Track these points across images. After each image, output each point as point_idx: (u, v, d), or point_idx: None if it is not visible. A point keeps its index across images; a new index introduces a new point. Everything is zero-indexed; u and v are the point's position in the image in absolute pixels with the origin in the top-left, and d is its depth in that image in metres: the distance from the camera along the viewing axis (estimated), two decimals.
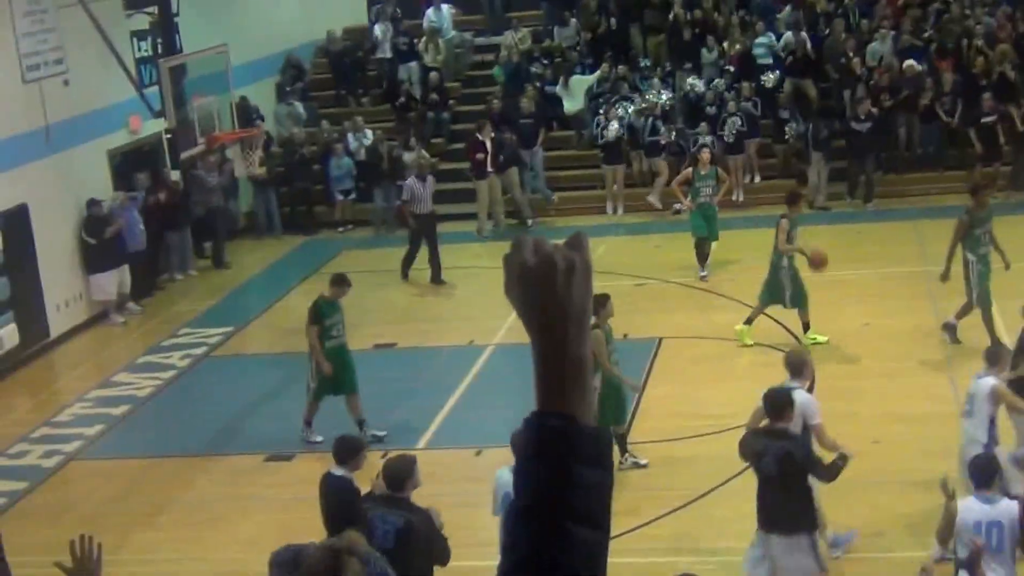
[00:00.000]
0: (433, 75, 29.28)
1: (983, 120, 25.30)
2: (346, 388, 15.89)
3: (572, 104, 28.00)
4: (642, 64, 28.70)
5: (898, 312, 18.73)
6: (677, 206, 23.95)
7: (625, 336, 18.60)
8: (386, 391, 17.59)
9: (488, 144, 25.34)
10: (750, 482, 11.66)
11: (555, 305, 2.50)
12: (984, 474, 9.99)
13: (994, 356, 12.26)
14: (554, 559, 2.48)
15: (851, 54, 27.05)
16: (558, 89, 28.15)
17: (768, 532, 10.89)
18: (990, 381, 11.84)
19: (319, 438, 15.57)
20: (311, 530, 10.18)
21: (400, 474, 10.04)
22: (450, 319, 20.82)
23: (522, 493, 2.52)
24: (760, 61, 27.76)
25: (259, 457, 16.16)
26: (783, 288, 17.71)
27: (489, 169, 25.47)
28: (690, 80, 27.38)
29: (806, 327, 17.90)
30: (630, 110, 26.70)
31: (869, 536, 12.71)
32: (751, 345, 17.86)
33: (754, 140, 26.65)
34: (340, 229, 27.24)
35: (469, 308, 21.20)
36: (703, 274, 21.36)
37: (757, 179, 26.84)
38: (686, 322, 19.16)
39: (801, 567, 10.74)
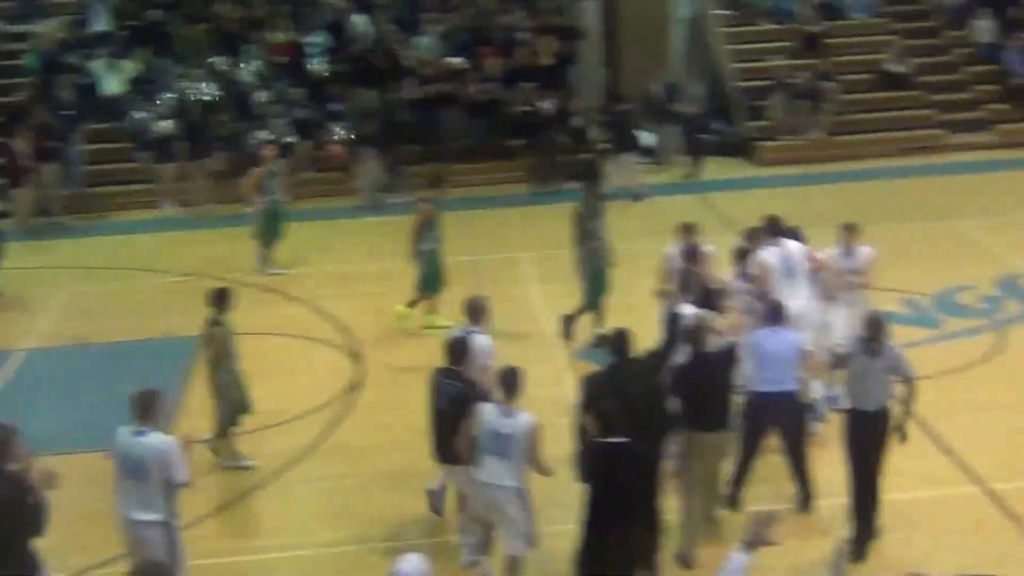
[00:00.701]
0: None
1: (524, 109, 26.32)
2: None
3: (111, 88, 27.21)
4: (180, 54, 28.13)
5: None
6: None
7: (167, 335, 18.25)
8: None
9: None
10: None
11: None
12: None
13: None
14: None
15: (399, 47, 27.53)
16: (95, 71, 27.31)
17: (442, 463, 11.57)
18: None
19: None
20: None
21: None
22: None
23: None
24: (308, 53, 27.82)
25: None
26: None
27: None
28: (225, 67, 27.19)
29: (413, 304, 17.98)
30: (172, 101, 26.19)
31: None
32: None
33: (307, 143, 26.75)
34: None
35: None
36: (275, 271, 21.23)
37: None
38: (234, 318, 18.82)
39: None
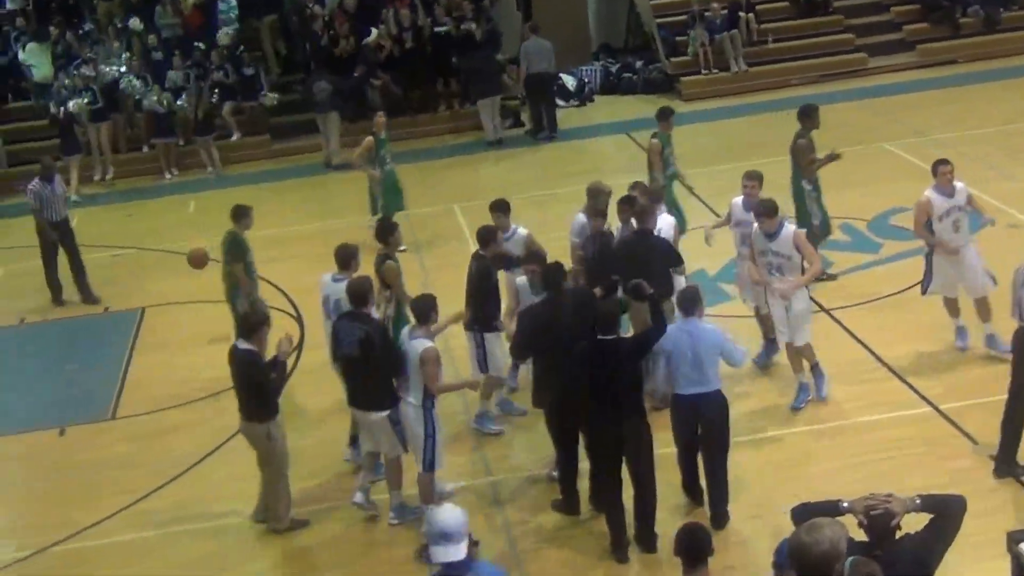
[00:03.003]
0: None
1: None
2: None
3: (40, 72, 26.84)
4: (89, 27, 27.78)
5: None
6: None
7: (106, 309, 18.11)
8: None
9: None
10: (244, 442, 11.66)
11: None
12: None
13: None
14: None
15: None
16: (22, 57, 26.94)
17: (354, 407, 11.70)
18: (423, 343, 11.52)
19: None
20: None
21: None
22: None
23: None
24: (222, 16, 27.58)
25: None
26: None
27: None
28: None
29: None
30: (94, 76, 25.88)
31: None
32: None
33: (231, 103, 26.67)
34: None
35: None
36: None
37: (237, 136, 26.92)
38: (167, 289, 18.73)
39: (387, 442, 11.46)
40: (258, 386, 11.26)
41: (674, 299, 11.93)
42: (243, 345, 11.29)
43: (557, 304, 11.36)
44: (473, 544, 6.74)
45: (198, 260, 16.39)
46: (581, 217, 13.84)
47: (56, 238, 18.35)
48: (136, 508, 12.65)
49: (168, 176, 25.51)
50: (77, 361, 16.80)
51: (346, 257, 12.69)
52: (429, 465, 11.26)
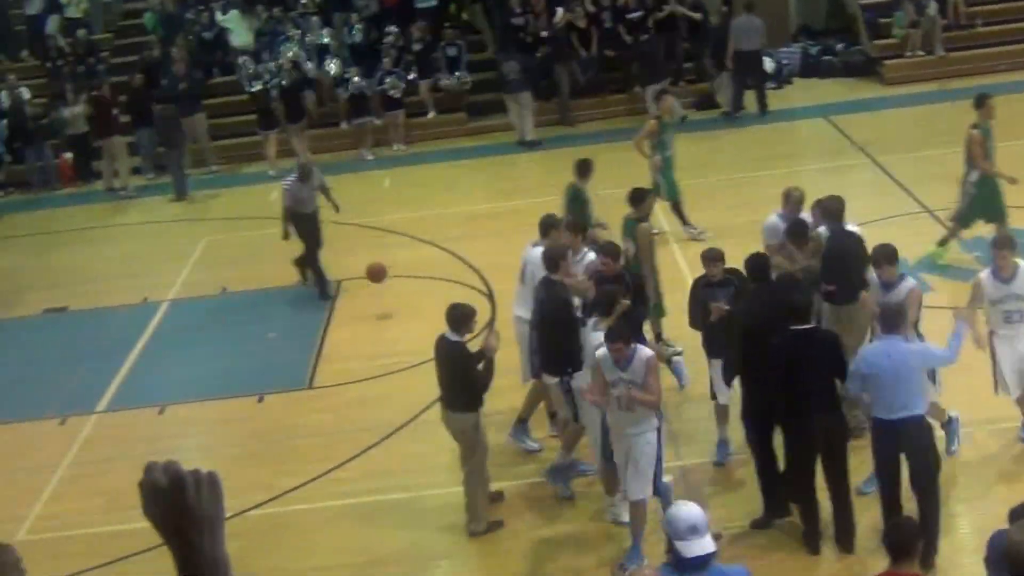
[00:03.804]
0: (81, 30, 28.21)
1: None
2: None
3: (240, 38, 27.43)
4: (302, 2, 28.29)
5: None
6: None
7: (304, 281, 18.42)
8: (61, 355, 17.15)
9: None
10: (437, 416, 11.80)
11: (188, 518, 2.81)
12: None
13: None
14: None
15: None
16: (220, 19, 27.65)
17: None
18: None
19: None
20: None
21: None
22: (121, 277, 20.07)
23: None
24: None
25: None
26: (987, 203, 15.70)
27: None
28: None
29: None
30: (293, 52, 26.32)
31: None
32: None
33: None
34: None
35: (139, 265, 20.54)
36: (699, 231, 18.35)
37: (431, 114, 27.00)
38: (362, 263, 18.95)
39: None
40: (469, 379, 11.16)
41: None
42: (452, 337, 11.22)
43: (765, 296, 11.07)
44: (716, 537, 6.90)
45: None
46: (775, 218, 13.11)
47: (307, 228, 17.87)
48: (331, 476, 12.90)
49: (370, 157, 25.67)
50: (275, 330, 17.17)
51: (545, 226, 12.90)
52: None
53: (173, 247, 21.26)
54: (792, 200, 13.03)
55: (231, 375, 15.92)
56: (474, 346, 11.46)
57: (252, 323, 17.52)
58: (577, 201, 15.19)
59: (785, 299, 10.64)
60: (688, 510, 6.84)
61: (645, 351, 10.42)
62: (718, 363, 11.67)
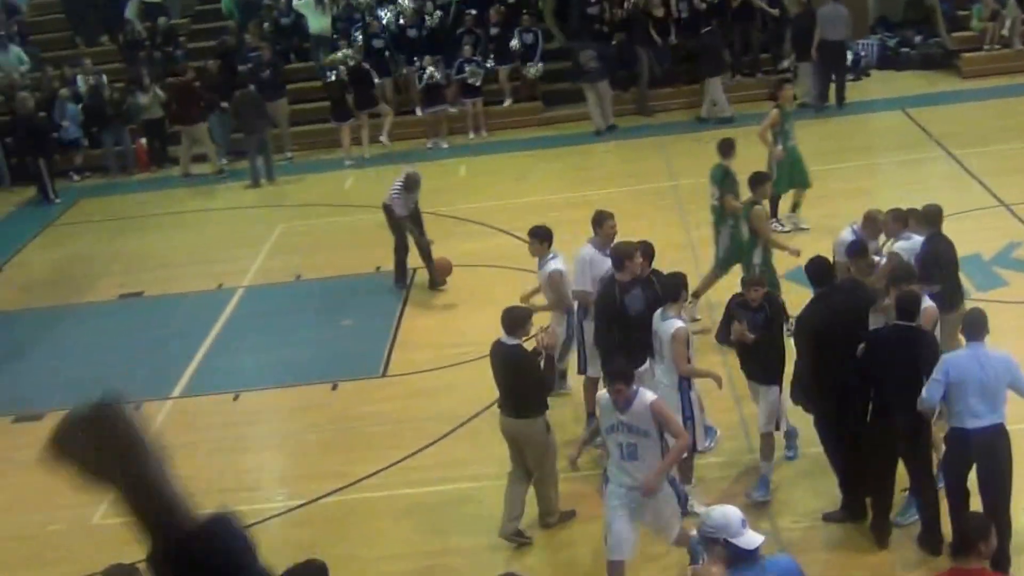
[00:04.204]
0: (161, 18, 28.48)
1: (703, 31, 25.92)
2: None
3: (318, 23, 27.55)
4: None
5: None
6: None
7: (378, 269, 18.52)
8: (137, 341, 17.32)
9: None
10: None
11: (126, 446, 2.59)
12: None
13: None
14: None
15: None
16: (297, 4, 27.71)
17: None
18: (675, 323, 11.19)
19: None
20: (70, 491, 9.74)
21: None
22: (196, 263, 20.27)
23: None
24: None
25: (6, 419, 15.46)
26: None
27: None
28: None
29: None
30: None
31: None
32: None
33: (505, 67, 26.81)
34: (75, 177, 26.32)
35: (214, 251, 20.74)
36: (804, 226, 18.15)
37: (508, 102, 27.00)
38: (437, 252, 19.01)
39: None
40: (535, 379, 11.02)
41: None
42: (509, 341, 11.04)
43: (831, 299, 10.95)
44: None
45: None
46: (848, 233, 12.86)
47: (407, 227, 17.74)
48: (402, 465, 12.97)
49: (445, 146, 25.72)
50: (350, 318, 17.27)
51: (598, 219, 13.10)
52: (691, 447, 11.06)
53: (248, 233, 21.44)
54: (869, 221, 12.89)
55: (305, 362, 16.03)
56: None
57: (327, 310, 17.64)
58: (728, 177, 15.52)
59: (856, 300, 10.75)
60: (731, 509, 7.09)
61: (647, 395, 9.81)
62: (768, 389, 11.39)
